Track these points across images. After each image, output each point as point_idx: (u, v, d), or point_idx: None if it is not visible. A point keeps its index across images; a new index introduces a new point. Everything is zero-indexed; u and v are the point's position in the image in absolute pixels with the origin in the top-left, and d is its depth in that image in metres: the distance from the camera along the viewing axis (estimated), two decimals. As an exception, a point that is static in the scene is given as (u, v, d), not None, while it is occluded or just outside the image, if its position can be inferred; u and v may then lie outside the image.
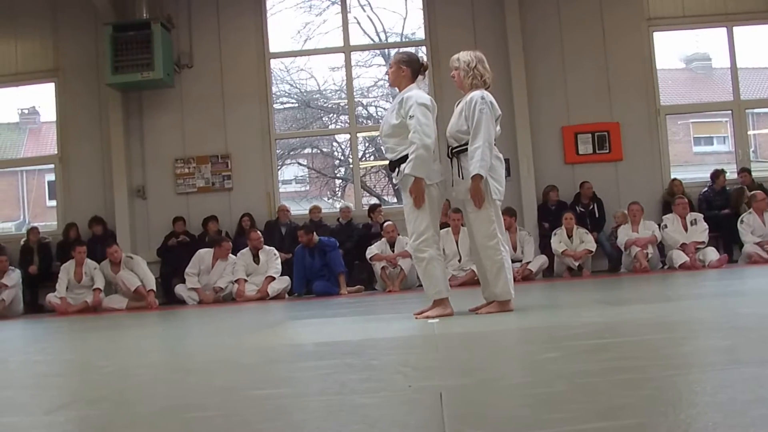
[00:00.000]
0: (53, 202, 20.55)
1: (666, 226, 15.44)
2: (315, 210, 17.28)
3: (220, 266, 15.48)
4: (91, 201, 17.91)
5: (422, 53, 18.65)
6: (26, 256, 17.18)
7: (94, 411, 3.72)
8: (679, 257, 15.04)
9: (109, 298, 15.57)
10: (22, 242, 17.63)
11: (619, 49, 17.42)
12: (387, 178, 22.34)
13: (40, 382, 5.02)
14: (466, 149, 7.69)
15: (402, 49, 8.08)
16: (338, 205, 19.46)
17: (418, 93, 7.77)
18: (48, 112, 20.48)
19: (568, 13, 17.48)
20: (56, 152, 18.69)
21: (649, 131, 17.37)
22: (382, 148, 7.87)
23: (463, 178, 7.74)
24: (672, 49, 20.87)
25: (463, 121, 7.74)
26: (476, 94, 7.77)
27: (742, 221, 15.43)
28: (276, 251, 15.68)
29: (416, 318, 7.65)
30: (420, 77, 8.04)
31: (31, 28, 18.45)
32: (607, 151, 17.23)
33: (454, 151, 7.89)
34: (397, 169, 7.78)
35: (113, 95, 17.62)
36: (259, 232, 15.92)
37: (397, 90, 8.08)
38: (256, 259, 15.60)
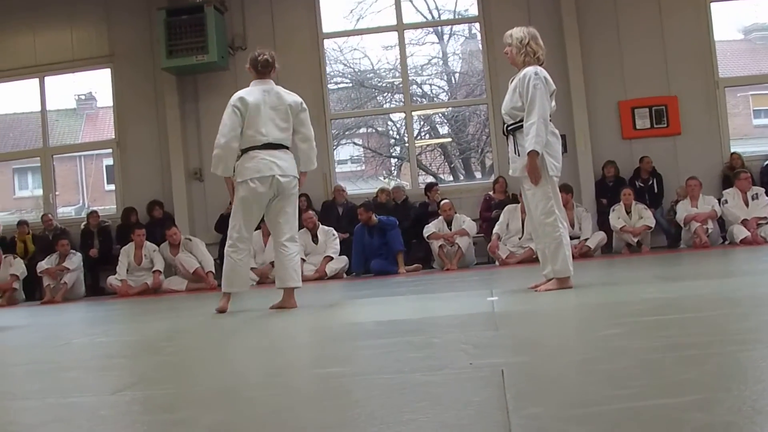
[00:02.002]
0: (112, 186, 20.73)
1: (726, 201, 15.26)
2: (383, 192, 17.23)
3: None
4: (148, 184, 18.06)
5: (475, 30, 18.61)
6: (87, 240, 17.36)
7: (158, 391, 3.77)
8: (740, 232, 14.87)
9: (169, 279, 15.72)
10: (82, 226, 17.80)
11: (676, 21, 17.18)
12: (443, 157, 22.31)
13: (105, 363, 5.08)
14: (521, 126, 7.67)
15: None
16: (392, 184, 19.45)
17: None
18: (104, 97, 20.66)
19: (624, -13, 17.32)
20: (114, 137, 18.86)
21: (707, 104, 17.14)
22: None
23: (519, 155, 7.72)
24: (730, 20, 20.56)
25: (518, 98, 7.73)
26: (530, 69, 7.74)
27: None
28: (334, 231, 15.71)
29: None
30: None
31: (86, 15, 18.60)
32: (665, 125, 17.04)
33: (509, 128, 7.88)
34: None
35: (168, 79, 17.74)
36: (311, 212, 15.93)
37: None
38: (314, 239, 15.63)
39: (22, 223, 17.77)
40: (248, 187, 8.02)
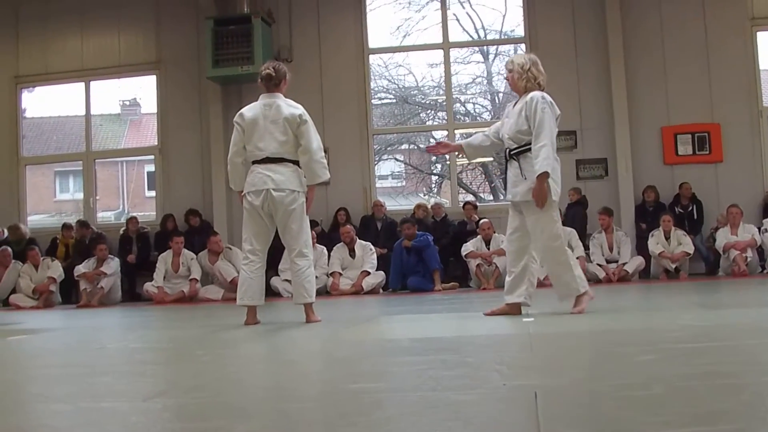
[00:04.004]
0: (152, 193, 20.84)
1: (766, 230, 15.18)
2: (421, 207, 17.21)
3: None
4: (189, 192, 18.14)
5: (521, 50, 18.59)
6: (125, 246, 17.43)
7: (191, 399, 3.78)
8: (781, 261, 14.79)
9: (206, 288, 15.77)
10: (121, 231, 17.88)
11: (722, 48, 17.10)
12: (483, 176, 22.29)
13: (138, 369, 5.09)
14: (527, 150, 7.66)
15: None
16: (432, 202, 19.46)
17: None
18: (149, 104, 20.84)
19: (670, 12, 17.21)
20: (156, 144, 18.97)
21: (750, 133, 17.02)
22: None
23: (525, 179, 7.68)
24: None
25: (524, 121, 7.70)
26: (536, 94, 7.73)
27: None
28: (372, 246, 15.72)
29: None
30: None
31: (134, 21, 18.74)
32: (707, 152, 16.95)
33: (513, 152, 7.85)
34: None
35: (213, 88, 17.82)
36: (350, 226, 15.97)
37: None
38: (352, 253, 15.65)
39: (66, 227, 17.87)
40: (246, 201, 8.13)
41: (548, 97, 7.76)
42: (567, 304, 7.83)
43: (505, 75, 8.22)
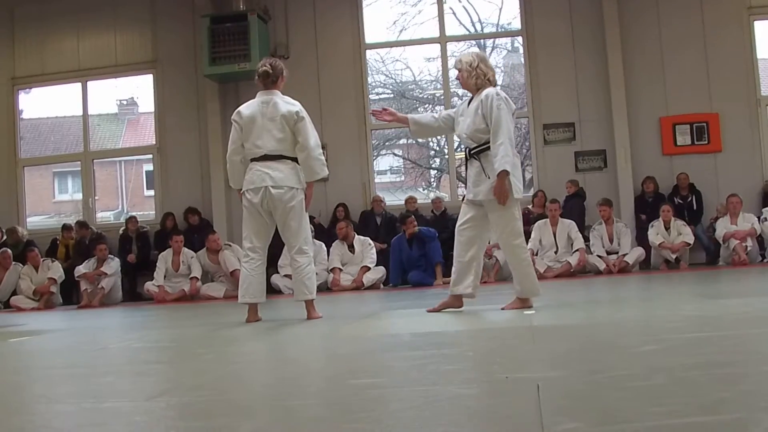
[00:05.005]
0: (151, 192, 20.81)
1: (766, 219, 15.18)
2: (411, 200, 17.28)
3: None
4: (188, 191, 18.14)
5: (518, 43, 18.60)
6: (125, 245, 17.42)
7: (194, 398, 3.78)
8: (780, 250, 14.79)
9: (207, 285, 15.78)
10: (120, 231, 17.87)
11: (719, 38, 17.07)
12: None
13: (141, 369, 5.10)
14: (487, 148, 7.65)
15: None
16: (432, 196, 19.43)
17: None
18: (146, 103, 20.76)
19: (667, 2, 17.17)
20: (154, 143, 18.96)
21: (749, 122, 17.00)
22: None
23: (488, 177, 7.68)
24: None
25: (481, 119, 7.67)
26: (491, 91, 7.71)
27: None
28: (371, 241, 15.74)
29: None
30: None
31: (130, 20, 18.73)
32: (706, 142, 16.94)
33: (473, 152, 7.85)
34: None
35: (210, 86, 17.81)
36: (344, 222, 16.00)
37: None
38: (351, 249, 15.66)
39: (66, 228, 17.87)
40: (245, 198, 8.16)
41: (503, 93, 7.75)
42: (571, 295, 7.84)
43: (455, 75, 8.19)
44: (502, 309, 7.72)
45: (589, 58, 17.15)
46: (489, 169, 7.63)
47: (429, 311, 7.97)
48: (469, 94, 8.06)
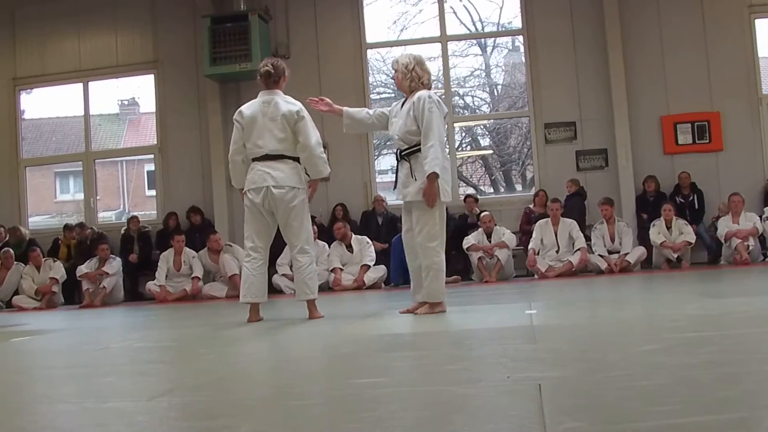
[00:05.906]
0: (152, 192, 20.82)
1: (768, 218, 15.20)
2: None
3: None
4: (189, 191, 18.15)
5: (518, 42, 18.61)
6: (126, 245, 17.44)
7: (196, 398, 3.79)
8: (782, 249, 14.77)
9: (209, 285, 15.78)
10: (122, 231, 17.88)
11: (720, 37, 17.07)
12: (484, 169, 22.27)
13: (143, 369, 5.10)
14: (418, 150, 7.67)
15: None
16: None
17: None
18: (147, 103, 20.78)
19: (667, 1, 17.18)
20: (155, 143, 18.98)
21: (750, 121, 17.00)
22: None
23: (416, 179, 7.69)
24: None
25: (412, 121, 7.71)
26: (423, 93, 7.77)
27: None
28: (368, 240, 15.74)
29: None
30: None
31: (131, 21, 18.75)
32: (707, 141, 16.93)
33: (404, 153, 7.86)
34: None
35: (211, 86, 17.81)
36: (341, 222, 16.02)
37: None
38: (349, 248, 15.67)
39: (68, 228, 17.89)
40: (247, 198, 8.17)
41: (435, 96, 7.80)
42: (572, 294, 7.84)
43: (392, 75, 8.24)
44: (414, 313, 7.82)
45: (590, 57, 17.15)
46: (418, 171, 7.68)
47: (401, 312, 8.04)
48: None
